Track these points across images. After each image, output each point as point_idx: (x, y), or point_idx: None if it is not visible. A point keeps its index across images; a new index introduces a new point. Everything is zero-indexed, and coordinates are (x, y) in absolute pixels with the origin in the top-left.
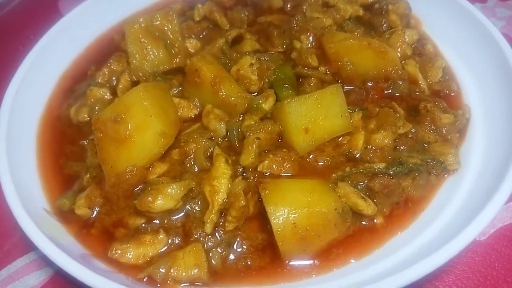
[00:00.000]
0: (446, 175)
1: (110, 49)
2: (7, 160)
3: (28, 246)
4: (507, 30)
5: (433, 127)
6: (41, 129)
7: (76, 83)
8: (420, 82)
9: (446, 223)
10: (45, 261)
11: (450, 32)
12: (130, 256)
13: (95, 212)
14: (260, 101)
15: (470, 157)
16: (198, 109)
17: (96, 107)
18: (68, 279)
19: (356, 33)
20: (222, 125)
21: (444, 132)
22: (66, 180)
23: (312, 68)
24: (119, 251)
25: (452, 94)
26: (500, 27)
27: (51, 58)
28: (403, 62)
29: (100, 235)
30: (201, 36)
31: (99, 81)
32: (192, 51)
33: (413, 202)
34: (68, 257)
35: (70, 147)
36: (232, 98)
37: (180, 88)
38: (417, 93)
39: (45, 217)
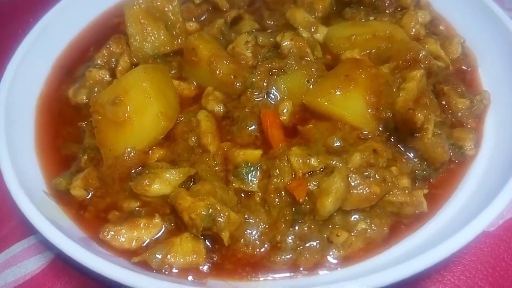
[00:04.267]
0: (470, 158)
1: (109, 31)
2: (6, 142)
3: (26, 230)
4: None
5: (447, 109)
6: (39, 111)
7: (75, 64)
8: (444, 58)
9: (456, 212)
10: (44, 246)
11: (457, 18)
12: (123, 240)
13: (90, 194)
14: (254, 80)
15: (481, 145)
16: (197, 90)
17: (95, 89)
18: (67, 263)
19: (357, 19)
20: (220, 107)
21: (459, 116)
22: (64, 161)
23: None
24: (111, 233)
25: (469, 69)
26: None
27: (49, 39)
28: (420, 38)
29: (94, 218)
30: (201, 19)
31: (98, 62)
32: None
33: (437, 188)
34: (70, 240)
35: (68, 129)
36: (230, 77)
37: (178, 70)
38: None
39: (44, 200)
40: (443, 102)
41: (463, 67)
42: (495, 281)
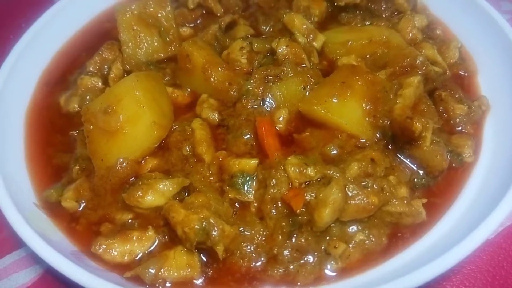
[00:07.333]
0: (469, 166)
1: (101, 36)
2: None
3: (17, 242)
4: None
5: (445, 115)
6: (29, 119)
7: (67, 72)
8: (441, 64)
9: (456, 221)
10: (35, 259)
11: (454, 22)
12: (116, 253)
13: (82, 206)
14: (249, 87)
15: (480, 152)
16: (191, 97)
17: (87, 97)
18: (60, 277)
19: (353, 24)
20: (215, 114)
21: (457, 122)
22: (55, 172)
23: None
24: (103, 246)
25: (466, 74)
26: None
27: (40, 46)
28: (416, 43)
29: (86, 231)
30: (192, 25)
31: (90, 69)
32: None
33: (436, 197)
34: (59, 254)
35: (59, 138)
36: (225, 84)
37: (172, 77)
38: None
39: (34, 212)
40: (441, 108)
41: (461, 72)
42: None
